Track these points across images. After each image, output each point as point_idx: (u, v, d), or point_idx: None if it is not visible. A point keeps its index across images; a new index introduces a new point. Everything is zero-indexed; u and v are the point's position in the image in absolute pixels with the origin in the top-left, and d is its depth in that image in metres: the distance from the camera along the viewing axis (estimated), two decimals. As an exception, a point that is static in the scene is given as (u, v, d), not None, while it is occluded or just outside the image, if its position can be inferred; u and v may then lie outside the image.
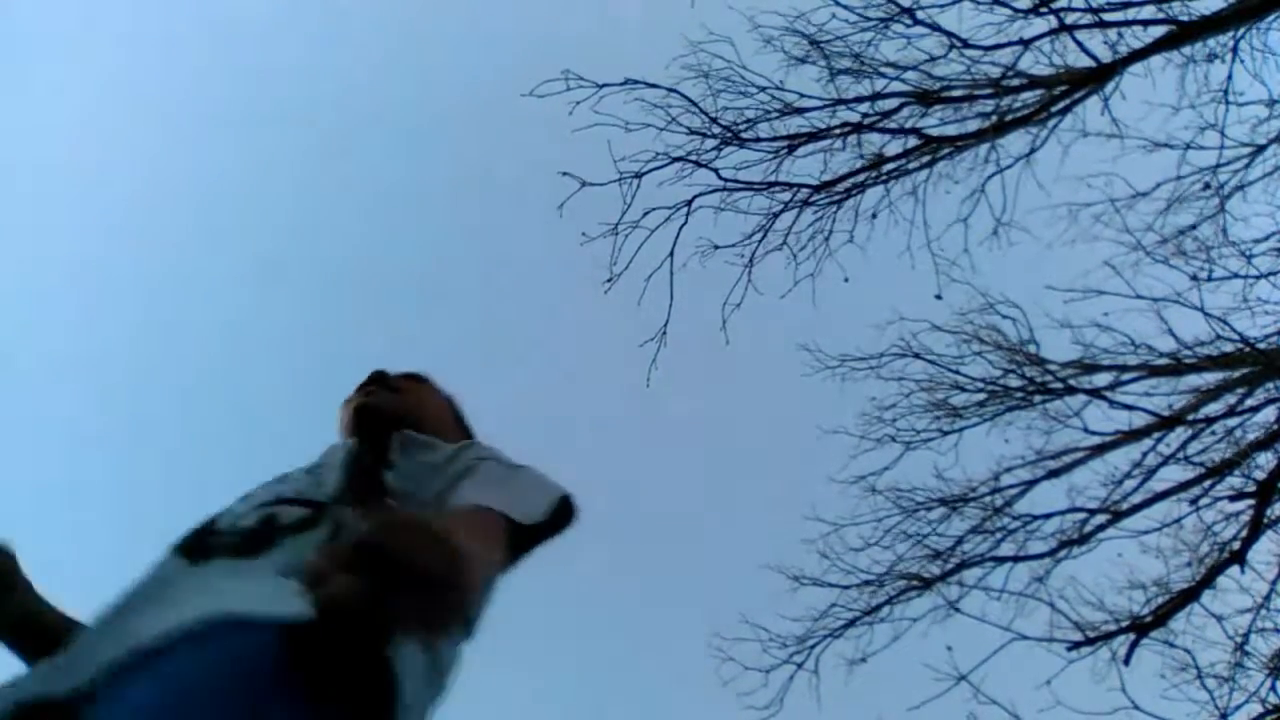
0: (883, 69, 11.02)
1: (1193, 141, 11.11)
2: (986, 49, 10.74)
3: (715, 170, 10.77)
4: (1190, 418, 10.89)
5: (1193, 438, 10.82)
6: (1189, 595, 9.90)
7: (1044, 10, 10.39)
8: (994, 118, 11.00)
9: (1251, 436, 10.53)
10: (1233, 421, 10.66)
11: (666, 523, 17.06)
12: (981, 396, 12.08)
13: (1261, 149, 11.21)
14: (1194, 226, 11.36)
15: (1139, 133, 11.17)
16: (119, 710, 1.59)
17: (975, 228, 11.33)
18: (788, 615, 11.73)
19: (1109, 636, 9.98)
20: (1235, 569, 9.74)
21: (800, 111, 11.03)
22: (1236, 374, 10.88)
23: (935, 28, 10.71)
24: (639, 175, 10.54)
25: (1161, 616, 9.90)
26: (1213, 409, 10.89)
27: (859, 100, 10.99)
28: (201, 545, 2.14)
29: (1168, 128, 11.16)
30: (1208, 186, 11.20)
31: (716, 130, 10.75)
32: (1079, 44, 10.35)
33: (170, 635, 1.68)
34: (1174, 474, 10.91)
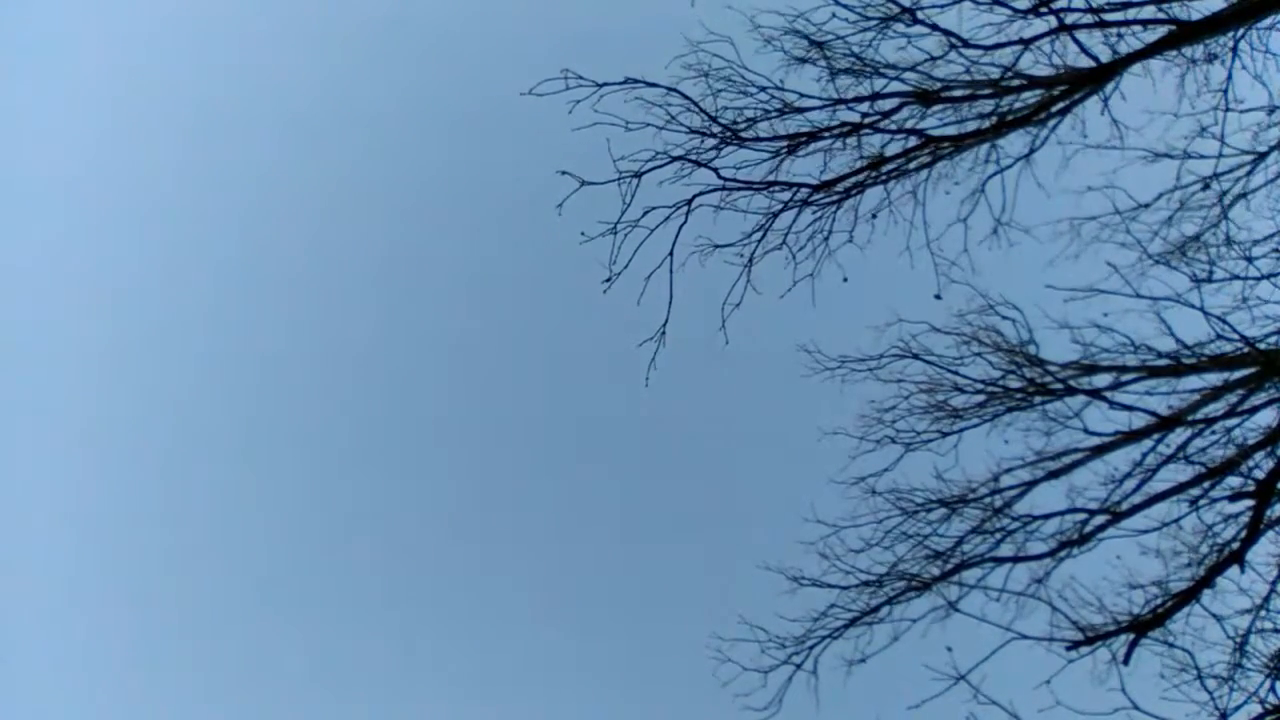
0: (883, 69, 11.02)
1: (1192, 150, 11.18)
2: (986, 49, 10.76)
3: (715, 170, 10.77)
4: (1190, 418, 10.87)
5: (1192, 438, 10.81)
6: (1188, 595, 9.88)
7: (1044, 10, 10.40)
8: (994, 118, 11.00)
9: (1251, 437, 10.52)
10: (1232, 422, 10.65)
11: (666, 523, 17.03)
12: (981, 398, 12.08)
13: (1263, 156, 11.22)
14: (1198, 236, 11.40)
15: (1140, 140, 11.22)
16: None
17: (975, 228, 11.36)
18: (787, 616, 11.75)
19: (1108, 636, 9.97)
20: (1235, 569, 9.74)
21: (800, 111, 11.02)
22: (1236, 374, 10.86)
23: (935, 28, 10.72)
24: (638, 174, 10.54)
25: (1161, 616, 9.89)
26: (1213, 409, 10.88)
27: (859, 100, 10.99)
28: None
29: (1168, 136, 11.22)
30: (1207, 186, 11.21)
31: (716, 130, 10.75)
32: (1079, 44, 10.36)
33: None
34: (1174, 474, 10.90)
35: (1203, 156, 11.27)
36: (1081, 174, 11.41)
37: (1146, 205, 11.46)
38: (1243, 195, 11.34)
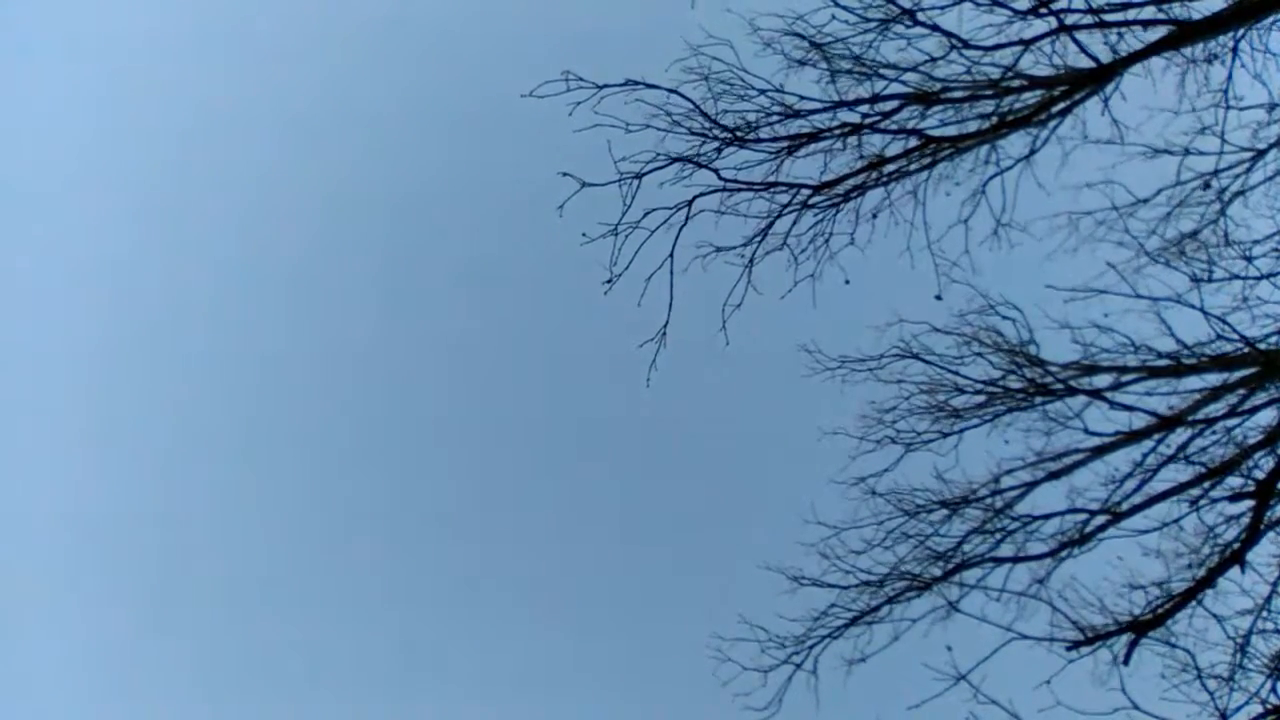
0: (883, 70, 11.02)
1: (1192, 147, 11.17)
2: (987, 49, 10.75)
3: (716, 171, 10.77)
4: (1190, 419, 10.89)
5: (1193, 438, 10.82)
6: (1189, 596, 9.91)
7: (1044, 11, 10.40)
8: (994, 118, 11.00)
9: (1251, 437, 10.53)
10: (1233, 422, 10.66)
11: (667, 523, 17.04)
12: (982, 398, 12.09)
13: (1262, 153, 11.22)
14: (1195, 233, 11.39)
15: (1140, 138, 11.22)
16: None
17: (976, 229, 11.37)
18: (787, 616, 11.77)
19: (1108, 636, 9.99)
20: (1236, 570, 9.76)
21: (801, 114, 11.02)
22: (1237, 375, 10.88)
23: (936, 29, 10.72)
24: (639, 176, 10.54)
25: (1161, 617, 9.91)
26: (1213, 409, 10.89)
27: (859, 101, 10.99)
28: None
29: (1167, 133, 11.21)
30: (1208, 185, 11.22)
31: (717, 132, 10.75)
32: (1079, 45, 10.36)
33: None
34: (1174, 475, 10.92)
35: (1202, 153, 11.27)
36: (1081, 170, 11.42)
37: (1145, 201, 11.46)
38: (1241, 192, 11.34)
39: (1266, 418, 10.64)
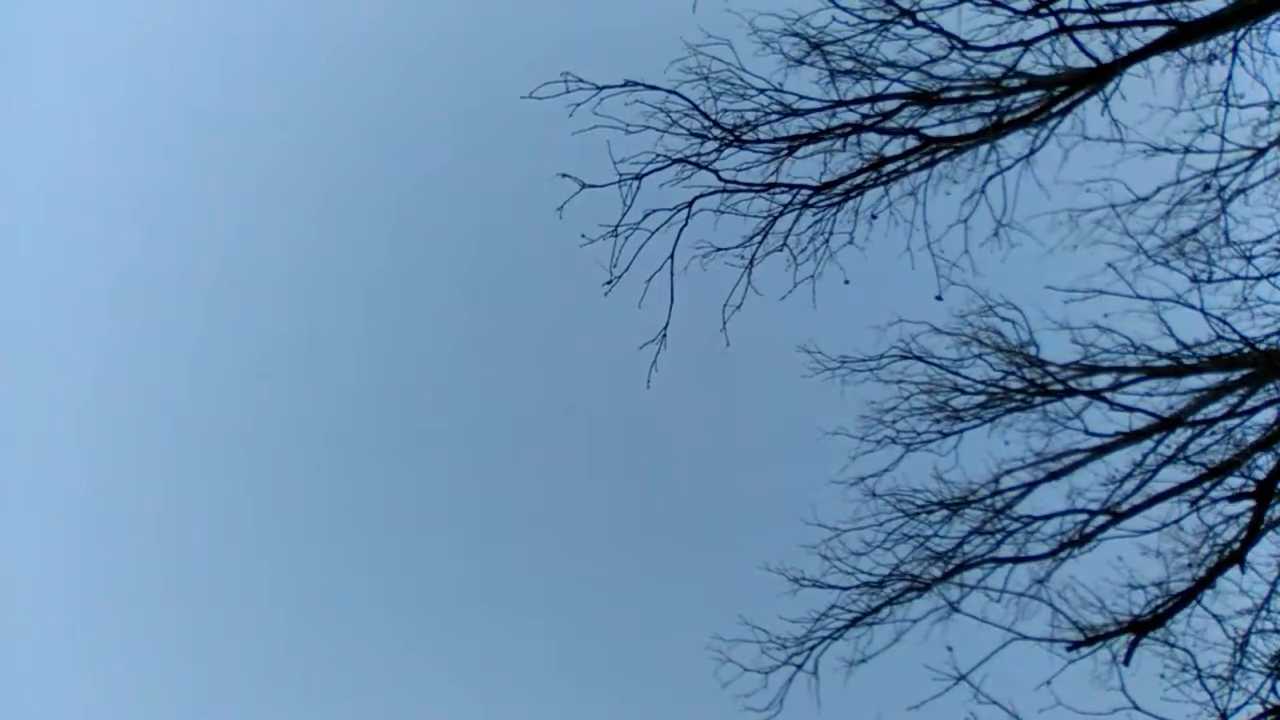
0: (882, 70, 11.00)
1: (1193, 145, 11.16)
2: (987, 50, 10.73)
3: (715, 172, 10.76)
4: (1190, 419, 10.89)
5: (1193, 439, 10.82)
6: (1189, 596, 9.92)
7: (1044, 11, 10.39)
8: (994, 118, 10.98)
9: (1252, 437, 10.53)
10: (1232, 422, 10.66)
11: (667, 524, 17.06)
12: (982, 399, 12.08)
13: (1262, 152, 11.21)
14: (1195, 230, 11.39)
15: (1139, 136, 11.21)
16: None
17: (976, 229, 11.36)
18: (787, 617, 11.78)
19: (1108, 636, 10.00)
20: (1235, 570, 9.77)
21: (800, 113, 11.01)
22: (1237, 375, 10.87)
23: (935, 29, 10.70)
24: (639, 177, 10.53)
25: (1161, 617, 9.92)
26: (1213, 410, 10.89)
27: (859, 101, 10.98)
28: None
29: (1167, 131, 11.20)
30: (1207, 187, 11.22)
31: (717, 132, 10.74)
32: (1079, 45, 10.35)
33: None
34: (1174, 475, 10.92)
35: (1202, 151, 11.27)
36: (1081, 168, 11.43)
37: (1145, 199, 11.46)
38: (1241, 190, 11.34)
39: (1266, 418, 10.64)
